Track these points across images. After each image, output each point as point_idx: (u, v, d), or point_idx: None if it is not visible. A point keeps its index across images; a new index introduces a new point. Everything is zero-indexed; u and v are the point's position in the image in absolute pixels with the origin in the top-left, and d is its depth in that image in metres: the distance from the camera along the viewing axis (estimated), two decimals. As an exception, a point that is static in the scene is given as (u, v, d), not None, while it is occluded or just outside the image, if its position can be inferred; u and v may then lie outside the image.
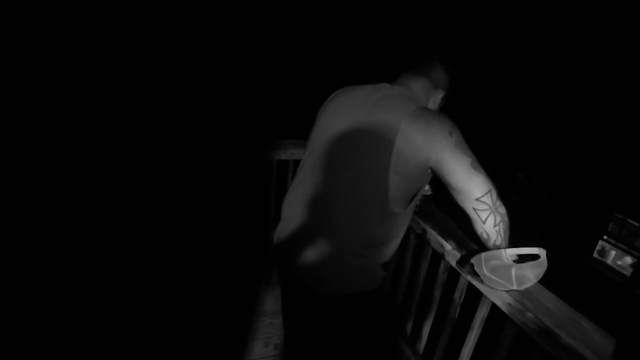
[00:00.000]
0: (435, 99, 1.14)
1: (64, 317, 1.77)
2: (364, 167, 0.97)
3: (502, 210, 0.96)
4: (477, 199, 0.93)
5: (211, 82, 4.21)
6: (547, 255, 0.98)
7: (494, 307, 1.09)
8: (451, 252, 1.24)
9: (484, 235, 0.98)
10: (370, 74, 1.43)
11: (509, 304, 0.99)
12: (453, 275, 1.28)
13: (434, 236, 1.33)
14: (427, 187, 1.47)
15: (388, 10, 4.35)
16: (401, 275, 1.63)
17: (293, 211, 1.09)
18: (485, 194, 0.93)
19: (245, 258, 2.22)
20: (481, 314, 1.15)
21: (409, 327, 1.60)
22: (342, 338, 1.14)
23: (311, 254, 1.02)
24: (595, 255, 2.94)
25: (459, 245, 1.23)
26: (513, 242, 1.02)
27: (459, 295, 1.26)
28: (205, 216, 2.50)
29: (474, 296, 1.16)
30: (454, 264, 1.23)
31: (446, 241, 1.27)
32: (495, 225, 0.96)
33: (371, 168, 0.96)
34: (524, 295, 0.97)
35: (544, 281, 1.03)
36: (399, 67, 1.17)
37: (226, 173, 2.83)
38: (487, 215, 0.94)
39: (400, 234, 1.11)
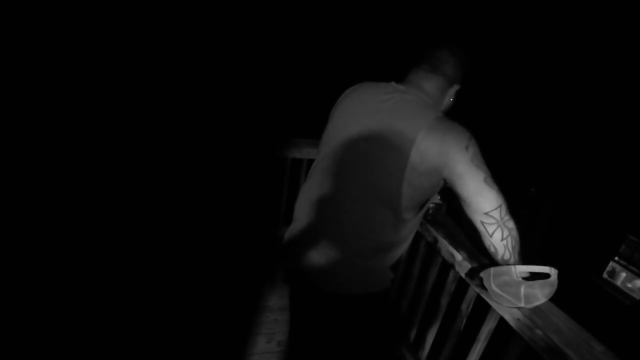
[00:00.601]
0: (450, 95, 1.11)
1: (68, 316, 1.79)
2: (376, 177, 0.97)
3: (511, 224, 0.95)
4: (486, 213, 0.93)
5: (229, 80, 4.24)
6: (559, 272, 0.97)
7: (501, 321, 1.09)
8: (462, 263, 1.23)
9: (492, 249, 0.97)
10: (383, 70, 1.40)
11: (518, 319, 0.99)
12: (462, 286, 1.28)
13: (444, 245, 1.33)
14: (437, 197, 1.47)
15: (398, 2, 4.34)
16: (408, 282, 1.63)
17: (305, 213, 1.11)
18: (495, 209, 0.93)
19: (253, 254, 2.24)
20: (488, 327, 1.15)
21: (412, 334, 1.60)
22: (347, 337, 1.15)
23: (321, 255, 1.04)
24: (605, 276, 2.89)
25: (470, 257, 1.23)
26: (523, 257, 1.01)
27: (466, 306, 1.26)
28: (216, 212, 2.53)
29: (482, 308, 1.16)
30: (463, 274, 1.23)
31: (457, 251, 1.26)
32: (502, 239, 0.95)
33: (383, 178, 0.97)
34: (533, 311, 0.97)
35: (552, 299, 1.02)
36: (409, 60, 1.13)
37: (240, 170, 2.86)
38: (495, 229, 0.94)
39: (410, 238, 1.12)
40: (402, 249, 1.10)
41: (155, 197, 2.72)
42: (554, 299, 1.00)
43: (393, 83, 1.08)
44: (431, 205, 1.47)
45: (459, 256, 1.25)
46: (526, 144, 3.83)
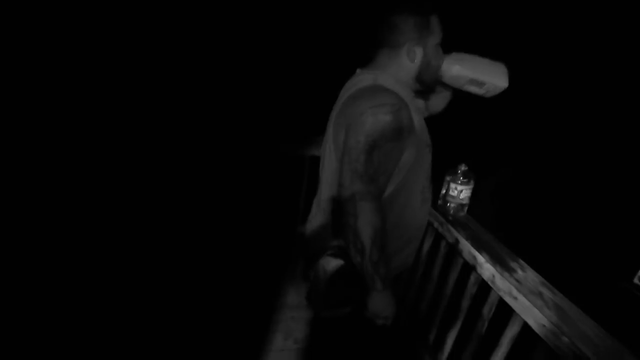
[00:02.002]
0: (415, 57, 1.00)
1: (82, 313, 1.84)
2: (332, 168, 1.04)
3: (348, 208, 0.91)
4: (342, 185, 0.93)
5: (247, 80, 4.27)
6: (585, 279, 0.93)
7: (525, 326, 1.05)
8: (484, 265, 1.20)
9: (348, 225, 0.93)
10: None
11: (544, 326, 0.95)
12: (483, 289, 1.24)
13: (466, 247, 1.30)
14: (460, 196, 1.43)
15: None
16: (428, 283, 1.60)
17: (317, 210, 1.17)
18: (348, 186, 0.91)
19: (271, 251, 2.25)
20: (511, 332, 1.11)
21: (432, 336, 1.57)
22: (364, 335, 1.14)
23: (321, 247, 1.10)
24: (636, 281, 2.77)
25: (493, 258, 1.19)
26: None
27: (488, 309, 1.22)
28: (236, 210, 2.56)
29: (505, 313, 1.12)
30: (486, 277, 1.20)
31: (479, 253, 1.23)
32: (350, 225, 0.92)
33: (334, 167, 1.03)
34: (560, 318, 0.93)
35: (579, 305, 0.98)
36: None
37: (260, 168, 2.88)
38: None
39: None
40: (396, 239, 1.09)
41: (175, 196, 2.77)
42: (581, 305, 0.96)
43: (358, 70, 1.09)
44: (452, 205, 1.44)
45: (481, 258, 1.21)
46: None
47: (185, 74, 4.16)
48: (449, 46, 1.07)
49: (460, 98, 1.25)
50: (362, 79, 1.02)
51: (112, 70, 3.89)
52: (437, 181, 1.55)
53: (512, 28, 3.83)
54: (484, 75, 1.06)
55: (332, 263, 1.04)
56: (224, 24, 4.18)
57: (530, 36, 3.71)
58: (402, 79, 1.03)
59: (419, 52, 1.00)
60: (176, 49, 4.14)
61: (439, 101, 1.26)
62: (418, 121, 1.00)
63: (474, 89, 1.09)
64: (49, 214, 2.59)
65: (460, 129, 3.85)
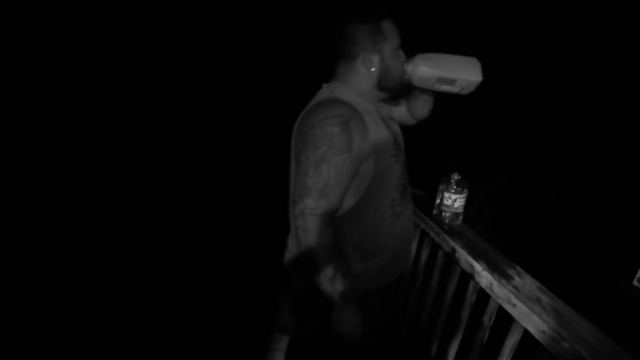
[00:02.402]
0: (372, 65, 0.99)
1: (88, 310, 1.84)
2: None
3: (298, 223, 0.92)
4: (294, 201, 0.93)
5: (261, 83, 4.31)
6: (583, 280, 0.94)
7: (526, 333, 1.05)
8: (481, 273, 1.20)
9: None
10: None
11: (543, 332, 0.95)
12: (482, 297, 1.24)
13: (463, 256, 1.30)
14: (455, 205, 1.43)
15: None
16: (427, 294, 1.59)
17: None
18: (299, 200, 0.91)
19: (278, 251, 2.29)
20: (512, 340, 1.11)
21: (434, 347, 1.56)
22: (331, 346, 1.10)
23: None
24: (635, 283, 2.77)
25: (490, 266, 1.19)
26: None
27: (488, 318, 1.22)
28: (236, 210, 2.58)
29: (505, 321, 1.12)
30: (484, 285, 1.20)
31: (476, 261, 1.23)
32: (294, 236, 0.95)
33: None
34: (559, 323, 0.93)
35: (577, 309, 0.98)
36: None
37: (260, 167, 2.90)
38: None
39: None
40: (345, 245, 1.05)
41: (185, 197, 2.80)
42: (580, 309, 0.96)
43: (323, 84, 1.08)
44: (447, 214, 1.44)
45: (478, 266, 1.22)
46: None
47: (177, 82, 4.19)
48: (442, 48, 1.05)
49: (454, 105, 1.25)
50: (321, 92, 1.04)
51: (110, 74, 3.92)
52: (431, 190, 1.57)
53: (508, 34, 3.91)
54: (454, 72, 1.02)
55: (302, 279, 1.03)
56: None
57: (528, 41, 3.78)
58: (362, 89, 1.02)
59: (375, 60, 0.99)
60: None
61: (421, 105, 1.20)
62: (379, 131, 0.99)
63: (446, 88, 1.05)
64: (48, 214, 2.59)
65: (454, 136, 3.89)
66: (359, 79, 1.01)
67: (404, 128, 1.27)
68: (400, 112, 1.24)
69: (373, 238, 1.04)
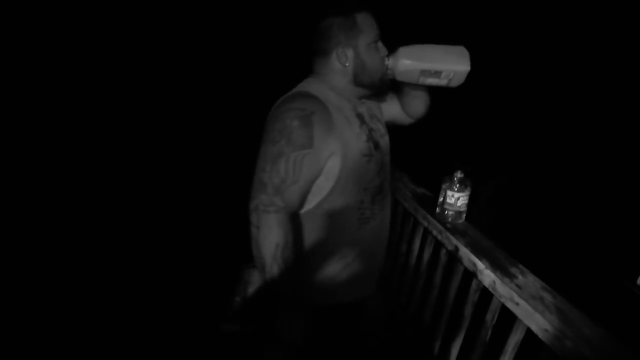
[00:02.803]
0: (347, 60, 0.96)
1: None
2: None
3: (252, 219, 0.88)
4: (250, 196, 0.89)
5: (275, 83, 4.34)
6: (587, 279, 0.93)
7: (528, 332, 1.05)
8: (484, 272, 1.20)
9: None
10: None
11: (546, 330, 0.95)
12: (485, 296, 1.24)
13: (466, 254, 1.30)
14: (457, 204, 1.43)
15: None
16: (430, 292, 1.59)
17: None
18: (253, 196, 0.87)
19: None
20: (515, 338, 1.11)
21: (437, 346, 1.56)
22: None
23: None
24: (639, 281, 2.75)
25: (493, 265, 1.19)
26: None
27: (491, 316, 1.22)
28: (236, 209, 2.62)
29: (508, 319, 1.12)
30: (486, 283, 1.20)
31: (479, 260, 1.23)
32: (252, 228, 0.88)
33: None
34: (563, 322, 0.93)
35: (582, 308, 0.98)
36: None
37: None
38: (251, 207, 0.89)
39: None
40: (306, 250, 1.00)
41: (184, 197, 2.81)
42: (584, 307, 0.96)
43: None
44: (450, 212, 1.44)
45: (481, 265, 1.21)
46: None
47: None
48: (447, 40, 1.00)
49: (456, 103, 1.22)
50: (296, 87, 1.01)
51: (109, 74, 3.93)
52: (433, 188, 1.57)
53: (513, 34, 3.89)
54: (438, 63, 0.96)
55: (253, 276, 1.01)
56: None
57: (531, 43, 3.76)
58: (338, 85, 0.99)
59: (349, 54, 0.96)
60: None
61: (413, 102, 1.14)
62: (349, 128, 0.95)
63: (432, 81, 0.99)
64: (47, 215, 2.60)
65: (457, 135, 3.88)
66: (334, 74, 0.98)
67: (407, 126, 1.27)
68: (392, 110, 1.19)
69: (337, 243, 0.99)
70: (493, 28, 3.83)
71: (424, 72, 0.96)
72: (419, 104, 1.15)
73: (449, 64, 0.96)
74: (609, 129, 3.23)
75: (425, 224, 1.56)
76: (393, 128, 1.22)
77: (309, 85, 0.98)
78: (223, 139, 3.86)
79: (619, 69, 3.13)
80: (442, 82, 0.99)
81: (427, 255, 1.62)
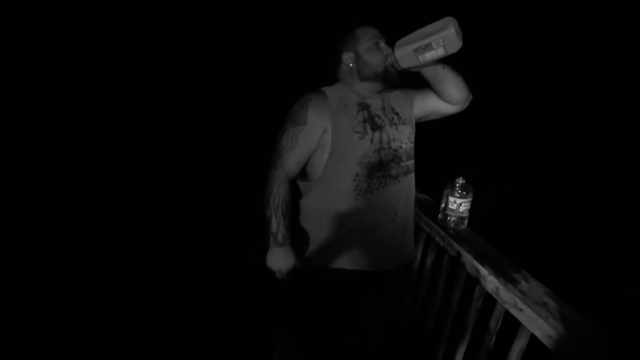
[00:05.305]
0: (350, 61, 1.19)
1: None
2: None
3: (268, 174, 1.16)
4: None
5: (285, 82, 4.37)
6: (591, 285, 0.93)
7: (533, 338, 1.04)
8: (487, 278, 1.20)
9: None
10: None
11: (550, 337, 0.94)
12: (489, 302, 1.24)
13: (469, 260, 1.30)
14: (460, 209, 1.43)
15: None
16: (433, 298, 1.59)
17: None
18: (270, 158, 1.16)
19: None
20: (519, 345, 1.10)
21: (440, 353, 1.55)
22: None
23: None
24: (644, 287, 2.73)
25: (496, 271, 1.19)
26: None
27: (494, 323, 1.21)
28: (248, 208, 2.65)
29: (512, 325, 1.11)
30: (490, 289, 1.19)
31: (482, 266, 1.23)
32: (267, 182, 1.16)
33: None
34: (567, 328, 0.92)
35: (586, 313, 0.97)
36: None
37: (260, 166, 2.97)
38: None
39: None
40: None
41: (184, 197, 2.83)
42: (588, 314, 0.96)
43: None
44: (452, 218, 1.44)
45: (484, 271, 1.21)
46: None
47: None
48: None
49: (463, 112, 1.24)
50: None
51: (109, 73, 3.95)
52: (435, 195, 1.57)
53: (515, 40, 3.91)
54: (425, 38, 1.02)
55: None
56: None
57: (534, 51, 3.78)
58: (349, 83, 1.22)
59: (352, 57, 1.20)
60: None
61: (443, 87, 1.18)
62: (345, 111, 1.15)
63: (430, 55, 1.04)
64: (44, 214, 2.62)
65: (459, 141, 3.88)
66: (345, 75, 1.23)
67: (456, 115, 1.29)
68: (429, 102, 1.26)
69: (334, 208, 1.17)
70: (496, 34, 3.85)
71: (417, 50, 1.04)
72: (450, 88, 1.18)
73: (434, 34, 1.02)
74: (612, 137, 3.22)
75: (428, 230, 1.56)
76: (440, 120, 1.32)
77: (327, 86, 1.23)
78: (230, 136, 3.87)
79: (621, 77, 3.13)
80: (438, 52, 1.04)
81: (430, 261, 1.62)
